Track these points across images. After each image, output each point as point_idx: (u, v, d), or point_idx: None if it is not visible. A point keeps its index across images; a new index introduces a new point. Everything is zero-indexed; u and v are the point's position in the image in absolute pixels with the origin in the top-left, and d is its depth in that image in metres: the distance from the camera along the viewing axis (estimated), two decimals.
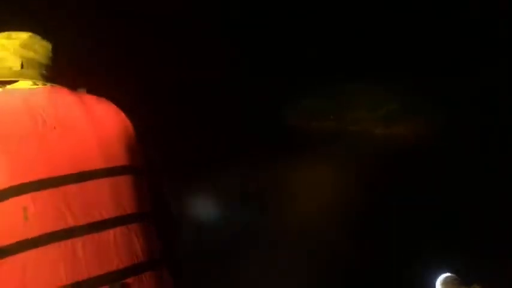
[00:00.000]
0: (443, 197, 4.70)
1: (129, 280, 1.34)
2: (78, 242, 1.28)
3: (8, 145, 1.27)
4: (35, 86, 1.46)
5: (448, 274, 1.61)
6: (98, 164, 1.36)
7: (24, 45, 1.49)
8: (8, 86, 1.45)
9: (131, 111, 1.56)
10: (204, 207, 4.65)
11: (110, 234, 1.33)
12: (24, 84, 1.46)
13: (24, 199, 1.24)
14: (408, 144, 6.86)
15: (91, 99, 1.49)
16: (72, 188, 1.30)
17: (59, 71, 1.55)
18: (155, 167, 1.56)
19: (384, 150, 6.72)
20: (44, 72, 1.49)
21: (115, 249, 1.33)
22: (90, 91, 1.58)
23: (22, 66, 1.47)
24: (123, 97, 1.64)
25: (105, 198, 1.36)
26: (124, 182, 1.40)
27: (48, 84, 1.47)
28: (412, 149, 6.42)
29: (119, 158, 1.40)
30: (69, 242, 1.26)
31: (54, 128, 1.34)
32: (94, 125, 1.41)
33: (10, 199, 1.24)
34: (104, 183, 1.35)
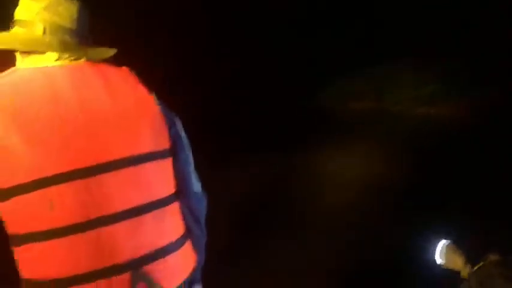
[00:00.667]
0: (484, 179, 4.59)
1: (151, 266, 1.37)
2: (100, 233, 1.31)
3: (33, 137, 1.27)
4: (58, 63, 1.40)
5: (447, 241, 1.56)
6: (120, 153, 1.35)
7: (48, 8, 1.42)
8: (31, 57, 1.41)
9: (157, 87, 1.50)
10: (239, 188, 4.68)
11: (132, 223, 1.35)
12: (48, 58, 1.41)
13: (50, 192, 1.26)
14: (452, 125, 6.70)
15: (114, 76, 1.44)
16: (95, 179, 1.31)
17: (86, 33, 1.48)
18: (181, 146, 1.52)
19: (427, 132, 6.60)
20: (68, 37, 1.43)
21: (137, 238, 1.35)
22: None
23: (44, 32, 1.41)
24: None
25: (128, 188, 1.36)
26: (147, 170, 1.39)
27: (72, 58, 1.42)
28: (456, 131, 6.27)
29: (142, 144, 1.38)
30: (92, 232, 1.30)
31: (77, 115, 1.33)
32: (117, 111, 1.38)
33: (36, 191, 1.26)
34: (127, 173, 1.35)
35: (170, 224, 1.45)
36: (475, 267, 1.53)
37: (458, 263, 1.57)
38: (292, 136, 4.95)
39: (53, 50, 1.39)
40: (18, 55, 1.42)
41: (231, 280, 3.22)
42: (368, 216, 4.20)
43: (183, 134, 1.54)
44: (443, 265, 1.63)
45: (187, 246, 1.53)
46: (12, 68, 1.39)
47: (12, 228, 1.29)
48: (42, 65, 1.38)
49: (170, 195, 1.46)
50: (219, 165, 4.69)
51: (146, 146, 1.39)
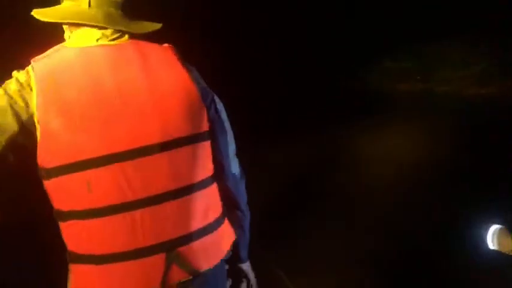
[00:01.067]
0: None
1: (185, 247, 1.39)
2: (136, 214, 1.33)
3: (72, 120, 1.30)
4: (99, 43, 1.41)
5: (498, 225, 1.52)
6: (157, 137, 1.35)
7: None
8: (77, 33, 1.41)
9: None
10: (284, 170, 4.67)
11: (167, 206, 1.36)
12: (90, 37, 1.41)
13: (88, 174, 1.29)
14: (503, 105, 6.47)
15: (155, 55, 1.44)
16: (132, 163, 1.32)
17: (130, 6, 1.46)
18: (220, 127, 1.52)
19: (477, 112, 6.40)
20: (113, 10, 1.42)
21: (172, 220, 1.37)
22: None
23: (90, 5, 1.40)
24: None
25: (164, 172, 1.37)
26: (183, 154, 1.39)
27: (114, 37, 1.42)
28: (507, 111, 6.06)
29: (180, 128, 1.38)
30: (128, 214, 1.32)
31: (115, 100, 1.34)
32: (155, 94, 1.38)
33: (75, 173, 1.29)
34: (163, 157, 1.36)
35: (206, 206, 1.46)
36: None
37: (505, 243, 1.52)
38: (336, 118, 4.88)
39: (98, 23, 1.39)
40: (66, 30, 1.44)
41: (274, 262, 3.23)
42: (416, 199, 4.12)
43: (223, 115, 1.53)
44: (496, 250, 1.59)
45: (225, 226, 1.53)
46: (57, 46, 1.41)
47: (56, 204, 1.34)
48: (84, 45, 1.40)
49: (207, 178, 1.47)
50: (262, 147, 4.69)
51: (183, 129, 1.39)
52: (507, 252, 1.54)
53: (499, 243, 1.54)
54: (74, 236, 1.35)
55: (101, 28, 1.40)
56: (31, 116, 1.29)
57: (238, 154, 1.58)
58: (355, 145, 5.09)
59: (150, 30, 1.46)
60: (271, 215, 3.63)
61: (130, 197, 1.33)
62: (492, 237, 1.56)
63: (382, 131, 5.38)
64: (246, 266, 1.69)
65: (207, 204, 1.46)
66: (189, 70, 1.46)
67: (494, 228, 1.57)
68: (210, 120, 1.47)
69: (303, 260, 3.33)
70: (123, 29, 1.41)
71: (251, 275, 1.70)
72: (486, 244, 1.58)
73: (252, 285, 1.72)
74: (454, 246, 3.22)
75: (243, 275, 1.69)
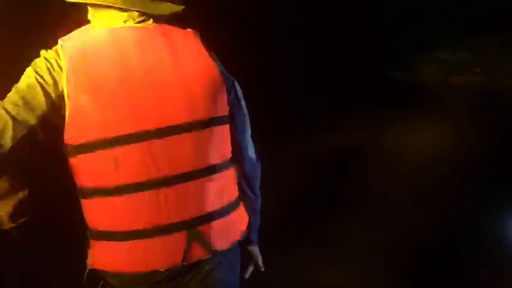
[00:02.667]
0: None
1: (205, 226, 1.42)
2: (161, 193, 1.36)
3: (101, 98, 1.33)
4: (126, 25, 1.42)
5: None
6: (182, 118, 1.38)
7: None
8: (101, 13, 1.42)
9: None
10: (320, 159, 4.61)
11: (190, 186, 1.39)
12: (117, 19, 1.42)
13: (116, 152, 1.32)
14: None
15: (179, 39, 1.46)
16: (158, 142, 1.35)
17: None
18: (239, 112, 1.55)
19: None
20: None
21: (194, 200, 1.40)
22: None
23: None
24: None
25: (188, 152, 1.40)
26: (206, 135, 1.42)
27: (139, 19, 1.43)
28: None
29: (203, 110, 1.42)
30: (153, 192, 1.35)
31: (143, 80, 1.37)
32: (181, 76, 1.41)
33: (103, 150, 1.32)
34: (188, 137, 1.39)
35: (226, 187, 1.49)
36: None
37: None
38: (381, 110, 4.74)
39: (115, 3, 1.41)
40: (90, 11, 1.46)
41: (292, 253, 3.20)
42: (455, 192, 3.97)
43: (242, 101, 1.56)
44: None
45: (240, 209, 1.56)
46: (84, 27, 1.44)
47: (81, 181, 1.38)
48: (111, 26, 1.42)
49: (226, 160, 1.49)
50: (297, 134, 4.62)
51: (206, 112, 1.42)
52: None
53: None
54: (98, 213, 1.38)
55: (125, 10, 1.42)
56: (60, 94, 1.33)
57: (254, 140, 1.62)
58: (395, 138, 4.92)
59: (169, 12, 1.47)
60: (290, 208, 3.60)
61: (155, 174, 1.35)
62: None
63: (427, 125, 5.18)
64: (256, 249, 1.72)
65: (226, 185, 1.49)
66: (212, 55, 1.48)
67: None
68: (229, 104, 1.49)
69: (319, 252, 3.29)
70: (140, 9, 1.43)
71: (259, 258, 1.74)
72: None
73: (260, 268, 1.76)
74: (478, 243, 3.10)
75: (252, 257, 1.73)
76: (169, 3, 1.48)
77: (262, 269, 1.77)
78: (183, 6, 1.50)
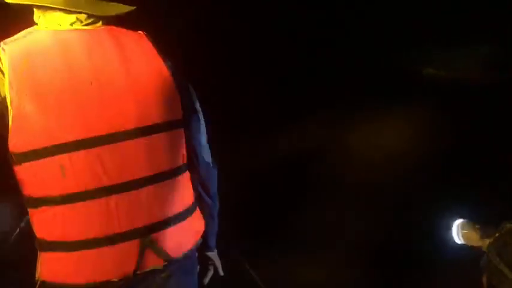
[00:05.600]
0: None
1: (159, 234, 1.39)
2: (111, 200, 1.32)
3: (46, 103, 1.28)
4: (73, 27, 1.38)
5: (463, 220, 1.48)
6: (133, 123, 1.35)
7: None
8: (47, 16, 1.37)
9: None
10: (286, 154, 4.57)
11: (143, 192, 1.36)
12: (64, 21, 1.38)
13: (62, 158, 1.28)
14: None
15: (130, 41, 1.43)
16: (107, 148, 1.32)
17: None
18: (194, 116, 1.52)
19: None
20: None
21: (147, 207, 1.37)
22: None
23: None
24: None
25: (140, 158, 1.36)
26: (158, 140, 1.39)
27: (87, 22, 1.39)
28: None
29: (155, 114, 1.38)
30: (103, 199, 1.32)
31: (91, 83, 1.33)
32: (130, 79, 1.37)
33: (49, 157, 1.28)
34: (139, 143, 1.36)
35: (180, 193, 1.46)
36: (491, 239, 1.43)
37: (476, 239, 1.48)
38: (350, 99, 4.66)
39: (58, 5, 1.36)
40: (36, 12, 1.41)
41: (259, 253, 3.20)
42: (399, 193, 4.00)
43: (197, 104, 1.53)
44: (463, 244, 1.55)
45: (196, 215, 1.54)
46: (29, 29, 1.38)
47: (27, 190, 1.32)
48: (57, 29, 1.37)
49: (181, 166, 1.46)
50: (261, 131, 4.58)
51: (158, 116, 1.38)
52: (474, 245, 1.50)
53: (465, 237, 1.51)
54: (46, 222, 1.33)
55: (71, 12, 1.37)
56: (3, 100, 1.27)
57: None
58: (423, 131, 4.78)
59: (116, 13, 1.43)
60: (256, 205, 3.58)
61: (105, 182, 1.31)
62: (457, 232, 1.52)
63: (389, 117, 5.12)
64: (214, 254, 1.70)
65: (180, 191, 1.46)
66: (163, 58, 1.44)
67: (457, 222, 1.54)
68: (183, 108, 1.46)
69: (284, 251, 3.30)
70: (84, 11, 1.38)
71: (218, 263, 1.72)
72: (452, 238, 1.55)
73: (219, 273, 1.74)
74: (422, 241, 3.15)
75: (210, 262, 1.70)
76: (117, 4, 1.44)
77: (221, 274, 1.75)
78: (133, 7, 1.46)
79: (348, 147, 4.40)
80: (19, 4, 1.37)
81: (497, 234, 1.39)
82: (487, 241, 1.41)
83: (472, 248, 1.52)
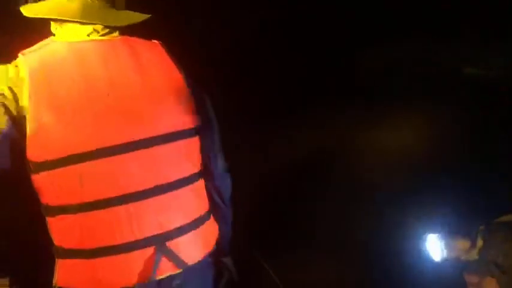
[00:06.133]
0: None
1: (174, 241, 1.40)
2: (128, 208, 1.34)
3: (64, 114, 1.30)
4: (90, 38, 1.41)
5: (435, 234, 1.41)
6: (148, 132, 1.37)
7: None
8: (64, 28, 1.40)
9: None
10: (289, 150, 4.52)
11: (159, 200, 1.37)
12: (80, 32, 1.40)
13: (80, 168, 1.30)
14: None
15: (145, 51, 1.45)
16: (125, 157, 1.34)
17: None
18: (208, 124, 1.53)
19: None
20: (96, 2, 1.41)
21: (164, 214, 1.38)
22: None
23: None
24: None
25: (157, 166, 1.38)
26: (174, 148, 1.41)
27: (103, 32, 1.42)
28: None
29: (171, 123, 1.40)
30: (121, 207, 1.33)
31: (108, 94, 1.35)
32: (146, 89, 1.39)
33: (66, 167, 1.30)
34: (154, 151, 1.37)
35: (195, 201, 1.47)
36: (481, 241, 1.37)
37: (460, 246, 1.42)
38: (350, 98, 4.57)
39: (74, 18, 1.39)
40: (52, 24, 1.44)
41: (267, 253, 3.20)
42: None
43: (211, 112, 1.55)
44: (443, 258, 1.48)
45: (211, 222, 1.55)
46: (46, 40, 1.41)
47: (45, 199, 1.34)
48: (74, 40, 1.40)
49: (195, 173, 1.48)
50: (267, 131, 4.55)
51: (174, 124, 1.41)
52: (458, 255, 1.43)
53: (448, 248, 1.43)
54: (63, 230, 1.35)
55: (87, 23, 1.40)
56: (21, 110, 1.30)
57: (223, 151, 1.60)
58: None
59: (131, 22, 1.45)
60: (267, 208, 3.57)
61: (122, 190, 1.33)
62: (435, 246, 1.45)
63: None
64: (228, 260, 1.70)
65: (195, 198, 1.48)
66: (178, 67, 1.47)
67: (433, 237, 1.47)
68: (198, 117, 1.48)
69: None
70: (99, 22, 1.41)
71: (232, 269, 1.71)
72: (428, 255, 1.47)
73: (234, 279, 1.73)
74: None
75: (225, 268, 1.70)
76: (133, 13, 1.47)
77: (236, 279, 1.74)
78: (148, 15, 1.48)
79: (367, 147, 4.35)
80: (36, 17, 1.39)
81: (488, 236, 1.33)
82: (476, 245, 1.34)
83: (452, 259, 1.44)
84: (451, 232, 1.42)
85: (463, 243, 1.38)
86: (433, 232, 1.46)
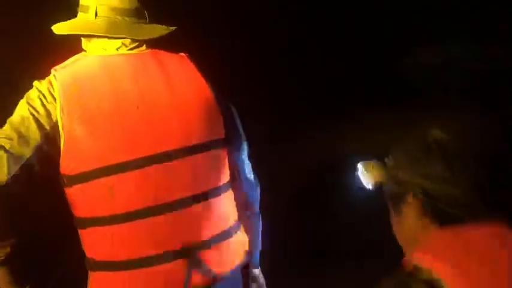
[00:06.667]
0: None
1: (205, 252, 1.40)
2: (159, 220, 1.35)
3: (95, 126, 1.33)
4: (119, 52, 1.44)
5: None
6: (179, 143, 1.38)
7: None
8: (93, 43, 1.44)
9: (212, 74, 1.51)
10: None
11: (189, 211, 1.38)
12: (109, 46, 1.44)
13: (111, 180, 1.31)
14: None
15: (173, 64, 1.47)
16: (155, 168, 1.35)
17: (142, 11, 1.46)
18: (235, 135, 1.54)
19: None
20: (119, 18, 1.42)
21: (194, 225, 1.39)
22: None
23: (96, 15, 1.42)
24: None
25: (186, 177, 1.39)
26: (203, 160, 1.42)
27: (132, 46, 1.45)
28: None
29: (199, 134, 1.41)
30: (151, 219, 1.34)
31: (137, 107, 1.37)
32: (175, 101, 1.41)
33: (98, 179, 1.31)
34: (185, 162, 1.38)
35: (224, 211, 1.48)
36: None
37: (374, 171, 1.28)
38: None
39: (101, 33, 1.42)
40: (83, 40, 1.48)
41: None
42: None
43: (238, 122, 1.56)
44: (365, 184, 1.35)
45: (241, 232, 1.55)
46: (77, 56, 1.45)
47: (77, 211, 1.37)
48: (103, 54, 1.43)
49: (225, 184, 1.48)
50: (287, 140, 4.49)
51: (202, 136, 1.42)
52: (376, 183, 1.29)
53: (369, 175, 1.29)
54: (96, 243, 1.37)
55: (115, 38, 1.43)
56: (55, 124, 1.32)
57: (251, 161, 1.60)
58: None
59: (157, 36, 1.47)
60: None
61: (153, 201, 1.34)
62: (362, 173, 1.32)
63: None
64: (257, 271, 1.69)
65: (225, 210, 1.48)
66: (205, 79, 1.48)
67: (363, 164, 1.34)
68: (225, 127, 1.48)
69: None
70: (126, 36, 1.43)
71: (261, 280, 1.70)
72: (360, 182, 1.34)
73: None
74: None
75: (253, 279, 1.69)
76: (158, 26, 1.49)
77: None
78: (173, 28, 1.50)
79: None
80: (68, 34, 1.44)
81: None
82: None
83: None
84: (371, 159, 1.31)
85: (375, 167, 1.27)
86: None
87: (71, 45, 1.48)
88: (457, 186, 1.02)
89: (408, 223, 1.09)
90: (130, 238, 1.34)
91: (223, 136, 1.47)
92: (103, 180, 1.31)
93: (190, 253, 1.38)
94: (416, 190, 1.06)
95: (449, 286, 0.91)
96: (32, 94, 1.36)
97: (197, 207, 1.40)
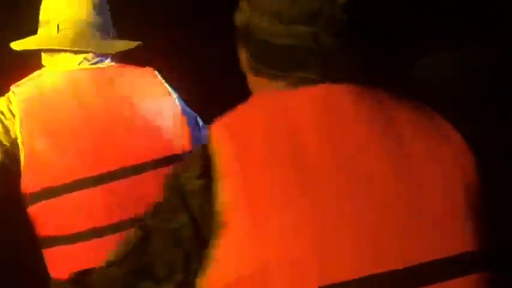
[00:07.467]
0: None
1: None
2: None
3: (59, 141, 1.32)
4: (81, 67, 1.42)
5: None
6: (146, 156, 1.37)
7: (62, 4, 1.42)
8: (55, 58, 1.42)
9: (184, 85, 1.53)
10: None
11: None
12: (71, 62, 1.42)
13: (77, 196, 1.31)
14: None
15: (137, 78, 1.47)
16: (122, 182, 1.34)
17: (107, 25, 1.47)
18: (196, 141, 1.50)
19: None
20: (84, 31, 1.41)
21: None
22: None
23: (58, 29, 1.40)
24: None
25: (155, 190, 1.38)
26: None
27: (94, 61, 1.43)
28: None
29: (167, 147, 1.40)
30: (119, 235, 1.28)
31: (102, 122, 1.36)
32: (141, 114, 1.40)
33: (64, 195, 1.30)
34: (153, 175, 1.37)
35: None
36: None
37: None
38: None
39: (67, 46, 1.40)
40: (43, 57, 1.45)
41: None
42: None
43: (205, 135, 1.54)
44: None
45: None
46: (37, 72, 1.43)
47: (41, 230, 1.33)
48: (66, 69, 1.41)
49: None
50: None
51: (170, 149, 1.41)
52: None
53: None
54: (59, 262, 1.33)
55: (79, 52, 1.41)
56: (14, 141, 1.30)
57: None
58: None
59: (121, 50, 1.47)
60: None
61: (121, 216, 1.32)
62: None
63: None
64: None
65: None
66: (171, 92, 1.47)
67: None
68: (192, 140, 1.47)
69: None
70: (93, 50, 1.42)
71: None
72: None
73: None
74: None
75: None
76: (124, 41, 1.48)
77: None
78: (138, 42, 1.49)
79: None
80: (28, 50, 1.43)
81: None
82: None
83: None
84: None
85: None
86: None
87: (28, 63, 1.47)
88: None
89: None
90: (96, 255, 1.29)
91: (190, 148, 1.46)
92: (68, 196, 1.29)
93: None
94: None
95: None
96: None
97: None
